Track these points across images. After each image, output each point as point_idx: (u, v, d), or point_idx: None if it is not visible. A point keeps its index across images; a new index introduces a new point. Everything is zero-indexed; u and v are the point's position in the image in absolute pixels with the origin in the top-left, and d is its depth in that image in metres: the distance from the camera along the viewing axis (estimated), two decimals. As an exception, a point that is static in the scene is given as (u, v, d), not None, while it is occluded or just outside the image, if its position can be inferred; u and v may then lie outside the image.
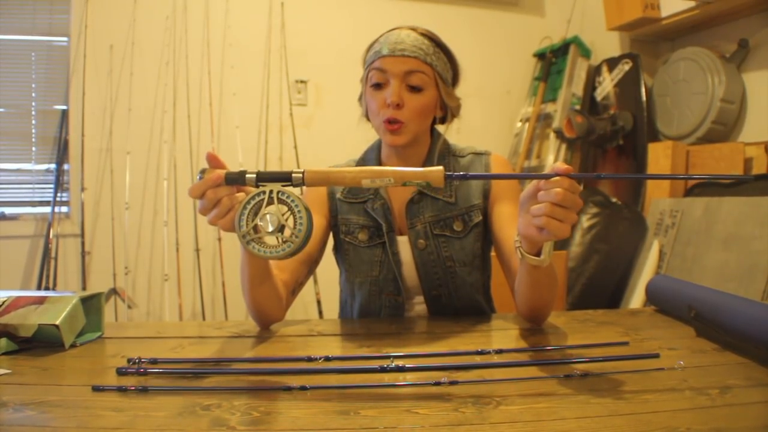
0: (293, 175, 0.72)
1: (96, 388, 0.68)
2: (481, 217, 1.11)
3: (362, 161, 1.20)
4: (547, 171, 0.71)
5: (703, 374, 0.71)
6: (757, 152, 2.30)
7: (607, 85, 2.97)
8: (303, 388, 0.67)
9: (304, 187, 0.74)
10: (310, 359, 0.78)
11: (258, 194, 0.72)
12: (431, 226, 1.10)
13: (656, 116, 2.80)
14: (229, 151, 2.70)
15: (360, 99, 1.15)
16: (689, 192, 2.45)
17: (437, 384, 0.68)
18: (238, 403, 0.64)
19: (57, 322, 0.85)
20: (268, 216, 0.70)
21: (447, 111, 1.14)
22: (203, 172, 0.75)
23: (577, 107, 2.99)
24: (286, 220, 0.71)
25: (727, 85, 2.42)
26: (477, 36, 3.17)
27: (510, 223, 1.06)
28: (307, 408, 0.63)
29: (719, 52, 2.51)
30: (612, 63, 2.97)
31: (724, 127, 2.50)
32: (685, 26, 2.70)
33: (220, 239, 2.60)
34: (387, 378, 0.72)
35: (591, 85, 3.08)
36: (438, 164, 1.13)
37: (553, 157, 2.97)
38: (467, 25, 3.16)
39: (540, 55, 3.28)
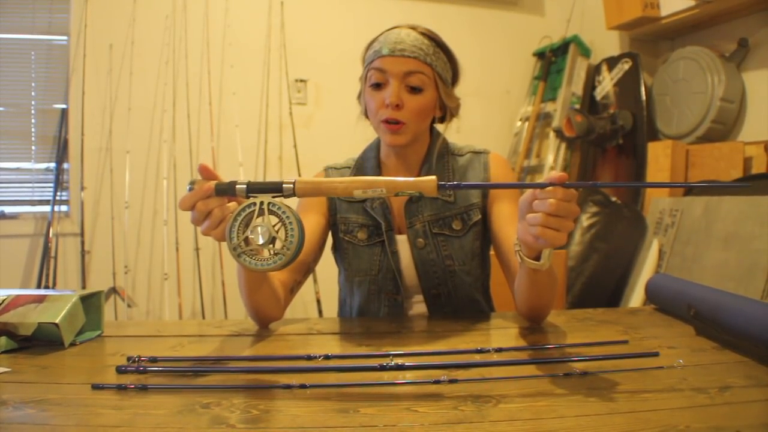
0: (284, 185, 0.72)
1: (96, 387, 0.68)
2: (480, 216, 1.11)
3: (361, 160, 1.20)
4: (545, 174, 0.72)
5: (703, 373, 0.71)
6: (757, 151, 2.30)
7: (606, 84, 2.97)
8: (302, 387, 0.67)
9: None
10: (309, 358, 0.78)
11: (248, 206, 0.71)
12: (430, 225, 1.10)
13: (656, 115, 2.80)
14: (229, 150, 2.70)
15: (359, 97, 1.15)
16: (689, 191, 2.45)
17: (436, 382, 0.68)
18: (238, 402, 0.64)
19: (57, 321, 0.85)
20: (258, 228, 0.70)
21: (446, 111, 1.14)
22: (193, 183, 0.75)
23: (577, 106, 2.99)
24: (277, 231, 0.70)
25: (726, 85, 2.42)
26: (477, 35, 3.17)
27: (509, 222, 1.05)
28: (307, 406, 0.63)
29: (719, 52, 2.51)
30: (612, 62, 2.97)
31: (724, 127, 2.50)
32: (685, 25, 2.70)
33: (219, 238, 2.60)
34: (386, 376, 0.72)
35: (591, 85, 3.08)
36: (437, 163, 1.14)
37: (553, 157, 2.97)
38: (467, 24, 3.16)
39: (540, 55, 3.28)
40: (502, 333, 0.98)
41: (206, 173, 0.76)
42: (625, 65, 2.88)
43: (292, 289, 1.06)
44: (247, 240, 0.71)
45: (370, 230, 1.12)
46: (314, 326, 1.02)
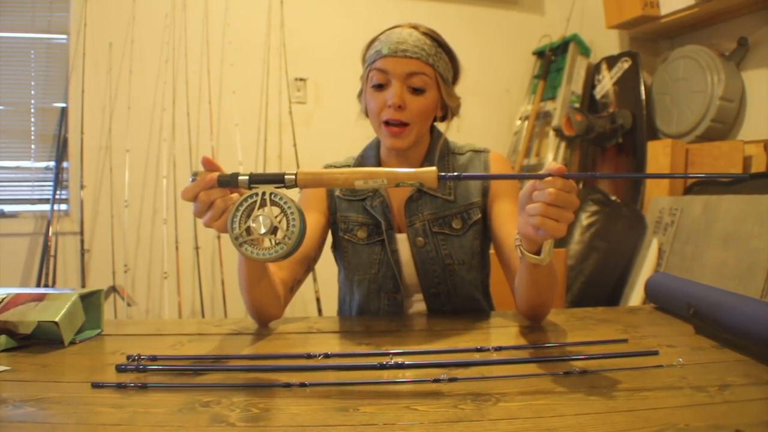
0: (286, 176, 0.72)
1: (95, 385, 0.68)
2: (480, 215, 1.11)
3: (361, 158, 1.20)
4: (544, 170, 0.72)
5: (702, 371, 0.71)
6: (756, 150, 2.30)
7: (606, 83, 2.97)
8: (302, 385, 0.67)
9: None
10: (309, 356, 0.78)
11: (250, 196, 0.71)
12: (430, 223, 1.10)
13: (655, 114, 2.80)
14: (229, 148, 2.70)
15: (359, 95, 1.15)
16: (688, 190, 2.45)
17: (436, 381, 0.68)
18: (238, 400, 0.64)
19: (56, 319, 0.85)
20: (260, 218, 0.70)
21: (447, 110, 1.14)
22: (195, 174, 0.75)
23: (577, 105, 2.99)
24: (279, 222, 0.71)
25: (726, 84, 2.42)
26: (476, 34, 3.17)
27: (509, 220, 1.05)
28: (307, 405, 0.63)
29: (718, 51, 2.51)
30: (611, 61, 2.97)
31: (724, 126, 2.50)
32: (685, 24, 2.70)
33: (219, 237, 2.60)
34: (386, 375, 0.72)
35: (590, 84, 3.08)
36: (437, 162, 1.13)
37: (553, 155, 2.97)
38: (467, 23, 3.15)
39: (539, 53, 3.28)
40: (501, 332, 0.98)
41: (209, 165, 0.76)
42: (624, 64, 2.88)
43: (292, 287, 1.06)
44: (248, 230, 0.71)
45: (369, 229, 1.12)
46: (314, 325, 1.03)
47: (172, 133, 2.64)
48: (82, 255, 2.53)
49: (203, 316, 2.61)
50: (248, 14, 2.81)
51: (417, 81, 1.03)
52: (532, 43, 3.30)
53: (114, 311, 2.50)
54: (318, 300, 2.58)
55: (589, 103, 3.08)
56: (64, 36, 2.65)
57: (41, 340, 0.88)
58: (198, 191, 0.74)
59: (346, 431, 0.56)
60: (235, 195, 0.76)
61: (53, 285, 2.46)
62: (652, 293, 1.12)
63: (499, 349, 0.80)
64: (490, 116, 3.19)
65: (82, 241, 2.53)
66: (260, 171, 2.74)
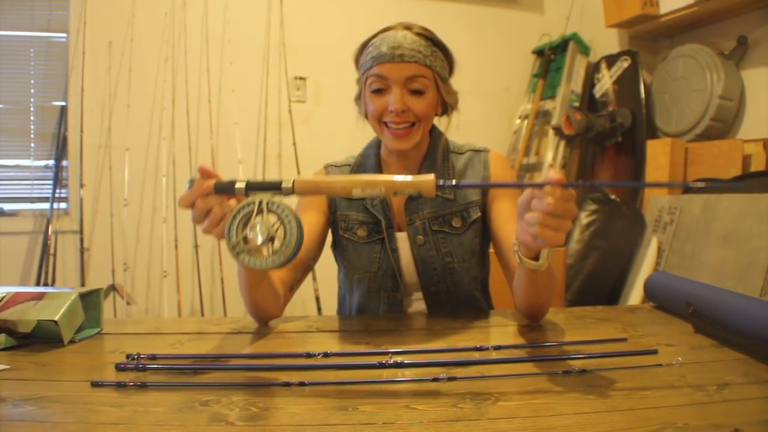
0: (283, 184, 0.72)
1: (95, 384, 0.68)
2: (479, 214, 1.11)
3: (361, 158, 1.20)
4: (544, 172, 0.72)
5: (701, 370, 0.71)
6: (756, 149, 2.30)
7: (605, 82, 2.97)
8: (302, 384, 0.67)
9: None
10: (308, 355, 0.78)
11: (247, 204, 0.71)
12: (430, 222, 1.10)
13: (655, 113, 2.80)
14: (228, 147, 2.70)
15: (356, 99, 1.15)
16: (688, 189, 2.45)
17: (435, 380, 0.68)
18: (237, 399, 0.64)
19: (56, 318, 0.85)
20: (257, 227, 0.69)
21: (446, 106, 1.14)
22: (192, 181, 0.75)
23: (576, 104, 2.99)
24: (276, 230, 0.70)
25: (725, 82, 2.42)
26: (476, 33, 3.16)
27: (508, 220, 1.05)
28: (306, 404, 0.63)
29: (718, 49, 2.51)
30: (611, 60, 2.96)
31: (723, 124, 2.50)
32: (684, 23, 2.70)
33: (218, 236, 2.60)
34: (385, 374, 0.72)
35: (590, 82, 3.08)
36: (437, 162, 1.13)
37: (552, 154, 2.97)
38: (466, 22, 3.15)
39: (539, 52, 3.28)
40: (501, 331, 0.98)
41: (206, 174, 0.76)
42: (624, 63, 2.88)
43: (292, 287, 1.06)
44: (245, 239, 0.70)
45: (369, 227, 1.12)
46: (313, 324, 1.03)
47: (171, 131, 2.64)
48: (82, 253, 2.53)
49: (203, 314, 2.61)
50: (248, 13, 2.81)
51: (417, 84, 1.03)
52: (531, 42, 3.30)
53: (113, 310, 2.50)
54: (317, 299, 2.58)
55: (588, 101, 3.08)
56: (64, 34, 2.65)
57: (41, 338, 0.88)
58: (194, 198, 0.74)
59: (346, 430, 0.56)
60: (233, 201, 0.76)
61: (53, 284, 2.46)
62: (651, 292, 1.13)
63: (498, 348, 0.80)
64: (490, 115, 3.19)
65: (81, 240, 2.53)
66: (260, 170, 2.75)
